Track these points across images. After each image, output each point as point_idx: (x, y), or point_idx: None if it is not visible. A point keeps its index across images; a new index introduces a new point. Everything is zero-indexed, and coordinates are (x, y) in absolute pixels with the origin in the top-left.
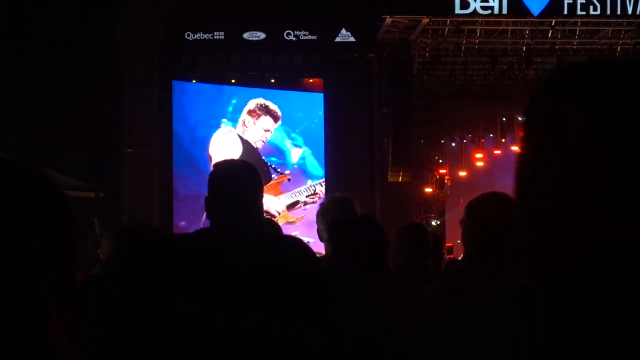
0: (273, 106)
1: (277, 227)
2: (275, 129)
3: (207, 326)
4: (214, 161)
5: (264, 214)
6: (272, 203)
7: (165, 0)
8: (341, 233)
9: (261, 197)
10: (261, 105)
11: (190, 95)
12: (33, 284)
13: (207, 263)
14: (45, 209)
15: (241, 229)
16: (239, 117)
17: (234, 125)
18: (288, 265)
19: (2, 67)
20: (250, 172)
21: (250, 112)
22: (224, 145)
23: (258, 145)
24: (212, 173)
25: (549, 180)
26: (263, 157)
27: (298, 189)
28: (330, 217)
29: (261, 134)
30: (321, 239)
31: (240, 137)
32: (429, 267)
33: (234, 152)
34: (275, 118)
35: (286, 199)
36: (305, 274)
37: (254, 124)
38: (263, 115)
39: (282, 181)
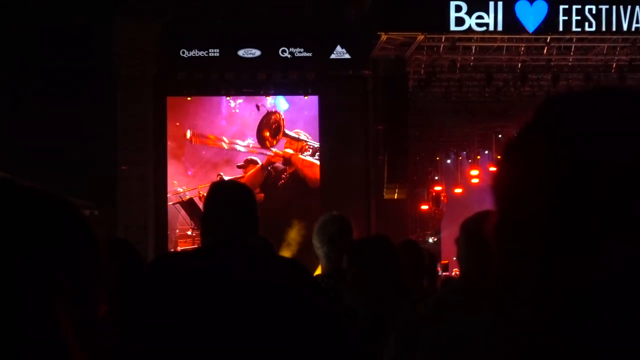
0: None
1: (270, 246)
2: None
3: (199, 345)
4: None
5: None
6: None
7: (160, 17)
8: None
9: (256, 218)
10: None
11: (185, 111)
12: (57, 321)
13: (199, 282)
14: (70, 238)
15: (235, 248)
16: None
17: None
18: (282, 283)
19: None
20: (245, 193)
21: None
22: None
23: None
24: (208, 193)
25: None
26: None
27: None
28: (327, 235)
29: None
30: (317, 257)
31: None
32: (423, 286)
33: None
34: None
35: None
36: (300, 293)
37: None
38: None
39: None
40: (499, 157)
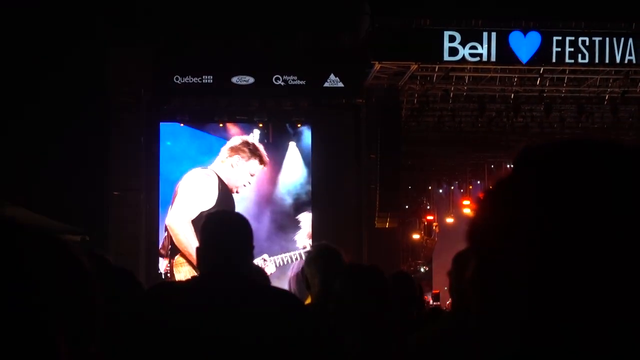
0: (260, 146)
1: (266, 277)
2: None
3: None
4: (180, 201)
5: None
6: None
7: (154, 44)
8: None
9: (252, 248)
10: (249, 144)
11: (178, 138)
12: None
13: (194, 312)
14: (68, 277)
15: (231, 280)
16: (219, 155)
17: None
18: (278, 316)
19: None
20: (242, 225)
21: (239, 151)
22: (198, 188)
23: (238, 191)
24: (203, 223)
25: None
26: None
27: (283, 255)
28: (318, 266)
29: (247, 178)
30: (307, 288)
31: (219, 180)
32: (413, 318)
33: (207, 200)
34: (263, 162)
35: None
36: (296, 326)
37: (242, 165)
38: (252, 158)
39: None
40: (477, 201)
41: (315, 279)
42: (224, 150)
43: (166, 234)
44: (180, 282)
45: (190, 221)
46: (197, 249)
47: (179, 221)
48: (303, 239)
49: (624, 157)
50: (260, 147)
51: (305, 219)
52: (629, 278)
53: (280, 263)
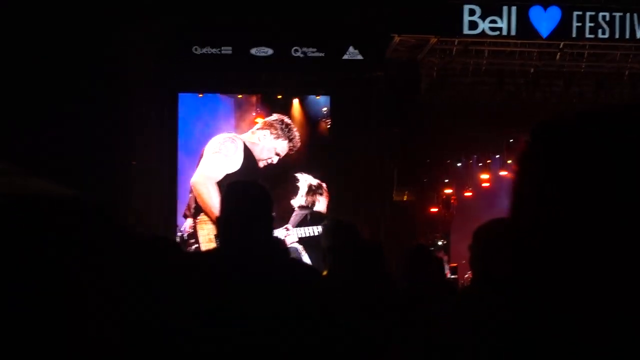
0: (296, 131)
1: (285, 249)
2: None
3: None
4: (202, 167)
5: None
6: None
7: (173, 15)
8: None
9: (272, 221)
10: (286, 124)
11: (196, 108)
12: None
13: (212, 284)
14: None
15: (250, 250)
16: (254, 126)
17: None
18: (295, 287)
19: (9, 83)
20: (263, 195)
21: (270, 126)
22: (219, 155)
23: (260, 165)
24: (224, 194)
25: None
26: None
27: (308, 227)
28: (331, 241)
29: (270, 155)
30: (323, 260)
31: (247, 150)
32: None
33: (231, 165)
34: (293, 147)
35: (295, 233)
36: (312, 297)
37: (270, 141)
38: (282, 138)
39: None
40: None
41: (330, 252)
42: (259, 122)
43: (190, 195)
44: (203, 253)
45: (215, 182)
46: (217, 219)
47: (204, 181)
48: (299, 200)
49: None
50: (295, 131)
51: (303, 179)
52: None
53: (303, 234)
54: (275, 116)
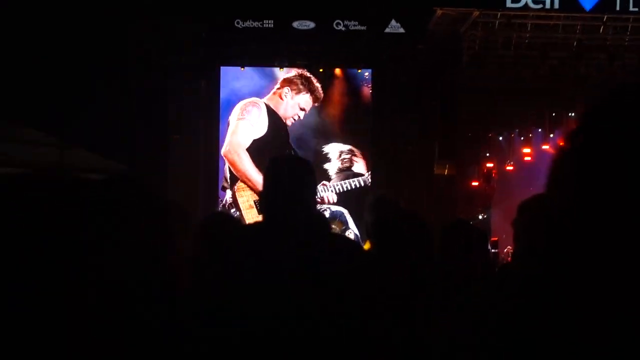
0: (316, 83)
1: (326, 221)
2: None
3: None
4: (230, 135)
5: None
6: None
7: None
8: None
9: (315, 193)
10: (305, 77)
11: (238, 81)
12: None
13: (257, 257)
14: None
15: (293, 224)
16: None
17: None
18: (336, 261)
19: (52, 56)
20: (306, 168)
21: (290, 83)
22: (245, 121)
23: (288, 123)
24: (267, 167)
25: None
26: (290, 141)
27: (345, 181)
28: (374, 215)
29: (295, 111)
30: (367, 235)
31: (271, 111)
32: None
33: (258, 130)
34: (316, 98)
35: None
36: (352, 273)
37: (292, 98)
38: (304, 92)
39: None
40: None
41: (372, 229)
42: (278, 81)
43: (226, 166)
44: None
45: (245, 149)
46: (260, 193)
47: (234, 149)
48: (335, 164)
49: None
50: (316, 82)
51: (330, 148)
52: None
53: (341, 189)
54: (293, 72)
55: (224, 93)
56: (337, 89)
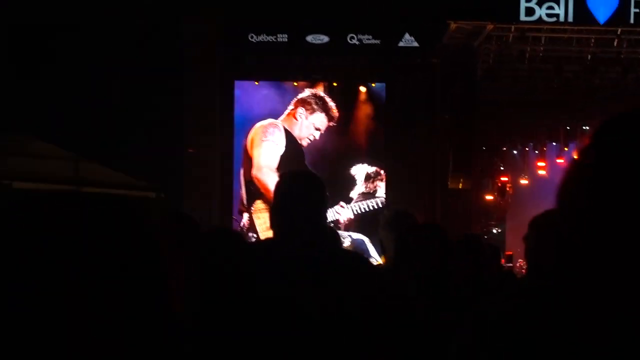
0: (331, 102)
1: (338, 238)
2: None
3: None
4: (257, 157)
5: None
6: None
7: (228, 2)
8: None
9: (326, 209)
10: (319, 97)
11: (252, 95)
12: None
13: (265, 275)
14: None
15: (303, 241)
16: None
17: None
18: (349, 280)
19: (63, 69)
20: (316, 184)
21: (304, 103)
22: (269, 142)
23: (303, 143)
24: (277, 184)
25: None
26: (306, 162)
27: (363, 202)
28: (393, 231)
29: (310, 131)
30: (382, 250)
31: (287, 132)
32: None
33: (279, 150)
34: (331, 118)
35: (351, 209)
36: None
37: (307, 118)
38: (318, 111)
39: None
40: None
41: (390, 242)
42: (292, 102)
43: (242, 190)
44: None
45: (275, 170)
46: (271, 208)
47: (265, 170)
48: (359, 188)
49: None
50: (330, 102)
51: (359, 171)
52: None
53: (358, 210)
54: (307, 92)
55: (238, 110)
56: (351, 103)
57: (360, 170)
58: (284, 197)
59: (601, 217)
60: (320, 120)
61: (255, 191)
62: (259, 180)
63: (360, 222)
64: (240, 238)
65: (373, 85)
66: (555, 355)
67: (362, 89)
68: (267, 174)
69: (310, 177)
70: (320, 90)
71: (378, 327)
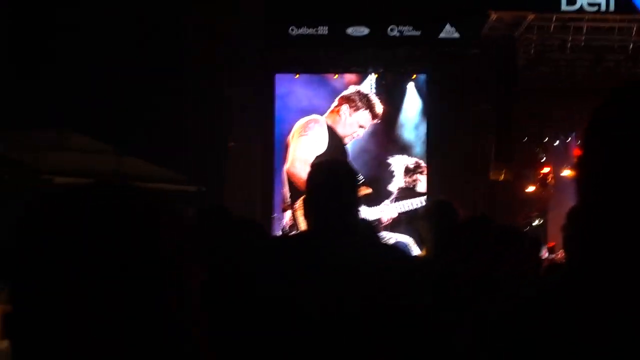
0: (375, 99)
1: (373, 227)
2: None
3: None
4: (293, 151)
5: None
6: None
7: None
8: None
9: (357, 198)
10: (363, 95)
11: (293, 89)
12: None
13: (301, 267)
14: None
15: (337, 231)
16: (333, 103)
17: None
18: (383, 273)
19: (108, 64)
20: (348, 174)
21: (348, 100)
22: (308, 137)
23: (347, 141)
24: (309, 173)
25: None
26: (350, 159)
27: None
28: (433, 221)
29: (354, 129)
30: (421, 241)
31: (330, 129)
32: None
33: (319, 146)
34: (375, 115)
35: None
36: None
37: (350, 115)
38: (363, 109)
39: (362, 194)
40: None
41: (430, 234)
42: (336, 99)
43: (285, 187)
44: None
45: (310, 165)
46: (304, 200)
47: (300, 165)
48: (398, 182)
49: None
50: (375, 99)
51: (396, 162)
52: None
53: (402, 209)
54: (352, 89)
55: (279, 104)
56: (393, 96)
57: (399, 162)
58: (316, 187)
59: (606, 213)
60: (364, 117)
61: (297, 188)
62: (293, 175)
63: (406, 224)
64: (261, 230)
65: (414, 76)
66: (556, 355)
67: (405, 81)
68: (302, 169)
69: (342, 166)
70: (364, 87)
71: (378, 328)
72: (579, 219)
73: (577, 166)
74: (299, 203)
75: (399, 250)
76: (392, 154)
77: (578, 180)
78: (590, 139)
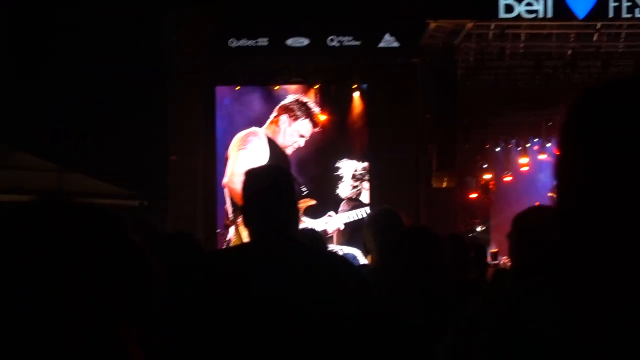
0: (315, 107)
1: (320, 237)
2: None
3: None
4: (232, 165)
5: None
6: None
7: (208, 7)
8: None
9: (294, 202)
10: (302, 103)
11: (234, 101)
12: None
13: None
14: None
15: (276, 238)
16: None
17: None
18: (326, 283)
19: (46, 75)
20: (283, 180)
21: (287, 110)
22: (247, 151)
23: (288, 151)
24: (243, 181)
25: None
26: (292, 171)
27: (351, 211)
28: (377, 229)
29: (295, 139)
30: (366, 250)
31: (270, 140)
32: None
33: (259, 159)
34: (315, 123)
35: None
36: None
37: (290, 125)
38: (302, 117)
39: (305, 205)
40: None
41: (373, 243)
42: (275, 109)
43: (228, 203)
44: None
45: (244, 173)
46: (241, 208)
47: (236, 179)
48: (345, 188)
49: None
50: (314, 107)
51: (346, 166)
52: None
53: (347, 219)
54: (290, 98)
55: (220, 117)
56: (334, 106)
57: (348, 167)
58: (252, 194)
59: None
60: (304, 126)
61: (237, 203)
62: (232, 190)
63: (352, 235)
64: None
65: (354, 86)
66: (555, 355)
67: (347, 90)
68: (238, 182)
69: (277, 171)
70: (303, 96)
71: (358, 331)
72: (561, 222)
73: (556, 167)
74: (241, 219)
75: (345, 259)
76: (336, 159)
77: (557, 183)
78: (570, 138)
